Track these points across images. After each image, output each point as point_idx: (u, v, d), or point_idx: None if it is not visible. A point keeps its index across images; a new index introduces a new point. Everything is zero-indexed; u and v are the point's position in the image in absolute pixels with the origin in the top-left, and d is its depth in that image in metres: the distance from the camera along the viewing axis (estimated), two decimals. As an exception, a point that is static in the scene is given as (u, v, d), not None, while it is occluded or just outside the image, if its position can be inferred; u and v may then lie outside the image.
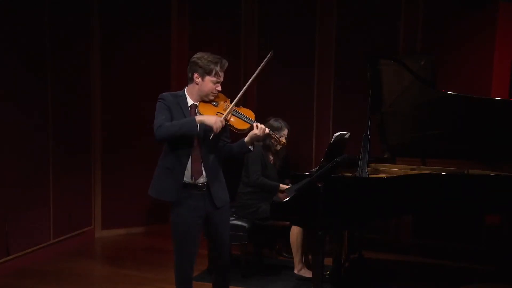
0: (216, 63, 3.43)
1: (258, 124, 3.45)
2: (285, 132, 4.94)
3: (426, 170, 4.53)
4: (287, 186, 4.75)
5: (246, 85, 3.53)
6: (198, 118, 3.36)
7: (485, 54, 5.32)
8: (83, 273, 5.00)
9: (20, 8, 4.92)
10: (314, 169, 4.57)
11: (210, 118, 3.35)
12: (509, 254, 5.19)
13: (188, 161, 3.46)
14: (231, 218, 4.81)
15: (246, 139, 3.50)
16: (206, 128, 3.38)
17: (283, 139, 3.65)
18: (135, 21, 6.01)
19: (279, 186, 4.89)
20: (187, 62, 3.56)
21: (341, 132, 4.35)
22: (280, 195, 5.04)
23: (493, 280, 4.95)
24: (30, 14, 5.03)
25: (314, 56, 5.88)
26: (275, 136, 3.61)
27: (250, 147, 3.53)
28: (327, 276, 4.62)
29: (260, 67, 3.51)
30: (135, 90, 6.06)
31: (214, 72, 3.43)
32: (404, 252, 5.61)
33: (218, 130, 3.33)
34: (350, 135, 4.45)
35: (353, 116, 5.52)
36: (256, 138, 3.50)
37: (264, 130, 3.44)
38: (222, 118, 3.35)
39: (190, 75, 3.50)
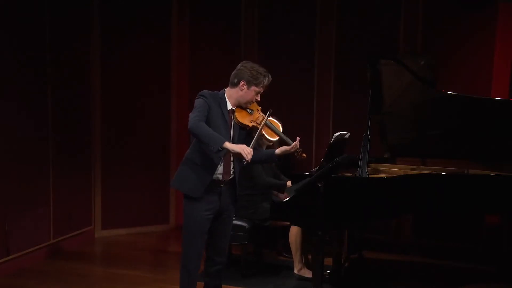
0: (265, 76, 3.57)
1: (297, 143, 3.60)
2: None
3: (426, 170, 4.54)
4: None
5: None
6: (227, 144, 3.37)
7: (485, 54, 5.33)
8: (83, 273, 5.00)
9: (20, 4, 4.91)
10: (314, 169, 4.57)
11: (238, 147, 3.39)
12: (509, 254, 5.20)
13: (220, 161, 3.55)
14: (231, 218, 4.84)
15: (277, 152, 3.66)
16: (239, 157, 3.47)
17: (304, 154, 3.73)
18: (136, 22, 6.01)
19: (286, 184, 4.88)
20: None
21: (341, 132, 4.35)
22: (280, 195, 5.05)
23: (493, 280, 4.95)
24: (30, 10, 5.03)
25: (314, 56, 5.88)
26: (299, 150, 3.68)
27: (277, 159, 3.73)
28: (327, 276, 4.61)
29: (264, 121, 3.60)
30: (136, 89, 6.07)
31: (261, 84, 3.56)
32: (404, 252, 5.61)
33: (249, 158, 3.38)
34: (350, 135, 4.45)
35: (353, 116, 5.51)
36: (287, 152, 3.64)
37: (297, 146, 3.60)
38: (250, 148, 3.41)
39: (236, 80, 3.56)
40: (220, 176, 3.59)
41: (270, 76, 3.61)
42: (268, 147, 4.59)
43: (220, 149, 3.36)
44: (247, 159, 3.37)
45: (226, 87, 3.65)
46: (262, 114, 3.65)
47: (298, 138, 3.62)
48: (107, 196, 6.05)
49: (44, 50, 5.19)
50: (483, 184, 4.03)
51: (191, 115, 3.43)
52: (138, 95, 6.09)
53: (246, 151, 3.36)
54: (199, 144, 3.52)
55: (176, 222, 6.38)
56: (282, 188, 4.92)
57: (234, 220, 4.77)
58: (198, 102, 3.51)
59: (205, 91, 3.57)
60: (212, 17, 6.26)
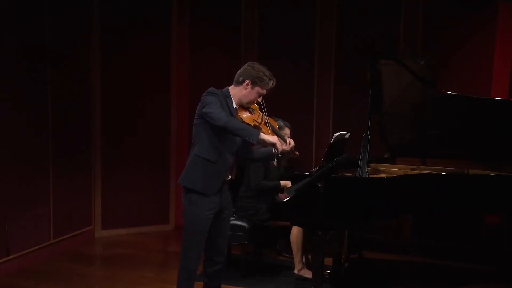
0: (270, 79, 3.59)
1: (291, 140, 3.64)
2: (287, 131, 4.92)
3: (426, 170, 4.54)
4: (286, 182, 4.74)
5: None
6: (263, 135, 3.42)
7: (485, 54, 5.34)
8: (83, 273, 5.00)
9: (20, 4, 4.91)
10: (314, 169, 4.57)
11: (273, 138, 3.45)
12: (509, 254, 5.20)
13: (232, 159, 3.58)
14: (231, 219, 4.83)
15: (275, 150, 3.64)
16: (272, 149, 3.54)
17: (296, 152, 3.77)
18: (136, 22, 6.01)
19: (279, 184, 4.88)
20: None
21: (341, 132, 4.35)
22: (280, 195, 5.05)
23: (493, 280, 4.95)
24: (30, 10, 5.03)
25: (314, 56, 5.88)
26: (293, 149, 3.73)
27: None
28: (327, 276, 4.61)
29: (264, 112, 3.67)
30: (136, 89, 6.07)
31: (266, 86, 3.58)
32: (404, 252, 5.61)
33: (280, 150, 3.45)
34: (350, 135, 4.45)
35: (353, 116, 5.52)
36: (284, 151, 3.64)
37: (292, 145, 3.64)
38: (283, 141, 3.50)
39: (241, 79, 3.57)
40: (228, 175, 3.63)
41: (275, 80, 3.62)
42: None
43: (256, 141, 3.39)
44: (279, 149, 3.43)
45: (227, 86, 3.64)
46: (261, 113, 3.67)
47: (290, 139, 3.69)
48: (107, 196, 6.05)
49: (44, 50, 5.19)
50: (483, 184, 4.03)
51: (213, 111, 3.40)
52: (138, 95, 6.09)
53: (279, 142, 3.43)
54: (212, 142, 3.51)
55: (176, 222, 6.38)
56: (276, 190, 4.89)
57: (234, 220, 4.79)
58: (210, 98, 3.48)
59: (214, 89, 3.55)
60: (212, 17, 6.26)
